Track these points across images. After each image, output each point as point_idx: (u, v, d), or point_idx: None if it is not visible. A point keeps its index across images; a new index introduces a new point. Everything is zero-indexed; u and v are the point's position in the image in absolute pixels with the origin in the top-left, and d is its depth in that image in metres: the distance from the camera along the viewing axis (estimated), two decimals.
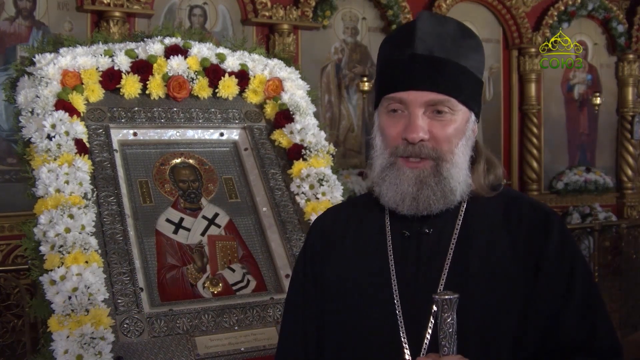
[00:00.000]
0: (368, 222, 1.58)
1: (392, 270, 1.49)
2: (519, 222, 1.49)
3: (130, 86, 2.87)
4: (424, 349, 1.42)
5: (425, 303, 1.39)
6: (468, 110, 1.49)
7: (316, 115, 3.12)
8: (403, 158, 1.46)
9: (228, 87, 3.05)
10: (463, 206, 1.52)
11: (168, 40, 3.02)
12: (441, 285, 1.45)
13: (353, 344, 1.50)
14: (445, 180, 1.45)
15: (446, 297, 1.34)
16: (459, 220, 1.51)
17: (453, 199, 1.48)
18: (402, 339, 1.44)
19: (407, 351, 1.43)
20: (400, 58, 1.47)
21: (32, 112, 2.62)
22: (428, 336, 1.40)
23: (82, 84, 2.78)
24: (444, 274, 1.46)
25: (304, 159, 2.93)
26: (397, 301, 1.47)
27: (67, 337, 2.18)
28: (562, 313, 1.42)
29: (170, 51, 2.97)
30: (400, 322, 1.45)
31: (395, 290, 1.47)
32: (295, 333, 1.61)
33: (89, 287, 2.26)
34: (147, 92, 2.94)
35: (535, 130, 9.03)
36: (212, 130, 3.01)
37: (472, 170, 1.52)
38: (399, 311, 1.46)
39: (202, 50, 3.04)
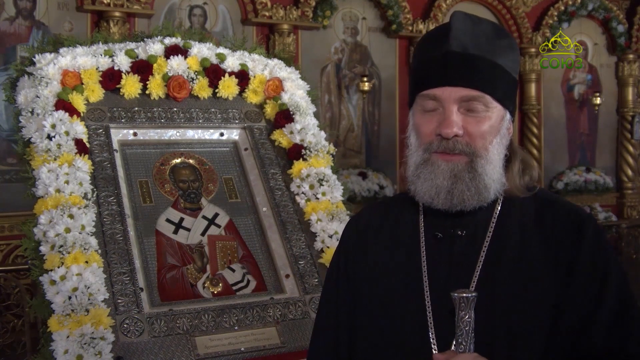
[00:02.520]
0: (402, 222, 1.58)
1: (425, 271, 1.49)
2: (553, 224, 1.47)
3: (130, 86, 2.87)
4: (453, 348, 1.41)
5: None
6: (503, 108, 1.49)
7: (316, 115, 3.12)
8: (437, 153, 1.46)
9: (228, 87, 3.05)
10: (497, 208, 1.51)
11: (168, 40, 3.02)
12: (472, 286, 1.44)
13: (383, 342, 1.50)
14: (480, 177, 1.45)
15: (464, 295, 1.35)
16: (493, 222, 1.50)
17: (487, 196, 1.47)
18: (431, 339, 1.44)
19: (435, 349, 1.43)
20: (435, 55, 1.47)
21: (32, 112, 2.62)
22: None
23: (82, 84, 2.78)
24: (476, 276, 1.45)
25: (304, 159, 2.93)
26: (428, 302, 1.47)
27: (67, 337, 2.18)
28: (594, 317, 1.40)
29: (170, 51, 2.97)
30: (430, 322, 1.45)
31: (427, 291, 1.48)
32: (328, 331, 1.62)
33: (89, 287, 2.26)
34: (147, 92, 2.94)
35: (535, 130, 9.03)
36: (212, 130, 3.01)
37: (506, 170, 1.51)
38: (429, 312, 1.46)
39: (202, 50, 3.04)
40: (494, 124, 1.46)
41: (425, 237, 1.53)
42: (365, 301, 1.55)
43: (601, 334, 1.40)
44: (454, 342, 1.40)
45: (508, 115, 1.50)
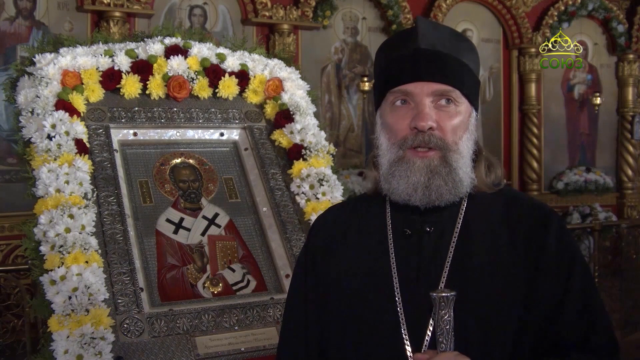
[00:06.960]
0: (369, 221, 1.60)
1: (394, 268, 1.51)
2: (519, 220, 1.51)
3: (131, 86, 2.87)
4: (425, 345, 1.43)
5: (427, 300, 1.41)
6: (470, 105, 1.54)
7: (316, 115, 3.12)
8: (411, 150, 1.48)
9: (228, 87, 3.05)
10: (463, 205, 1.54)
11: (168, 40, 3.02)
12: (442, 283, 1.46)
13: (355, 341, 1.51)
14: (455, 171, 1.48)
15: (443, 294, 1.37)
16: (460, 218, 1.52)
17: (461, 190, 1.50)
18: (404, 336, 1.46)
19: (408, 348, 1.45)
20: (405, 53, 1.52)
21: (32, 112, 2.62)
22: (429, 332, 1.43)
23: (82, 84, 2.78)
24: (445, 272, 1.47)
25: (304, 159, 2.93)
26: (398, 299, 1.48)
27: (67, 337, 2.18)
28: (560, 310, 1.44)
29: (170, 51, 2.97)
30: (402, 319, 1.47)
31: (397, 288, 1.49)
32: (297, 331, 1.62)
33: (89, 287, 2.26)
34: (147, 92, 2.93)
35: (535, 130, 9.03)
36: (212, 130, 3.01)
37: (473, 168, 1.54)
38: (400, 309, 1.47)
39: (202, 50, 3.04)
40: (463, 119, 1.51)
41: (393, 234, 1.55)
42: (334, 302, 1.56)
43: (567, 326, 1.44)
44: (427, 340, 1.43)
45: (474, 113, 1.55)
